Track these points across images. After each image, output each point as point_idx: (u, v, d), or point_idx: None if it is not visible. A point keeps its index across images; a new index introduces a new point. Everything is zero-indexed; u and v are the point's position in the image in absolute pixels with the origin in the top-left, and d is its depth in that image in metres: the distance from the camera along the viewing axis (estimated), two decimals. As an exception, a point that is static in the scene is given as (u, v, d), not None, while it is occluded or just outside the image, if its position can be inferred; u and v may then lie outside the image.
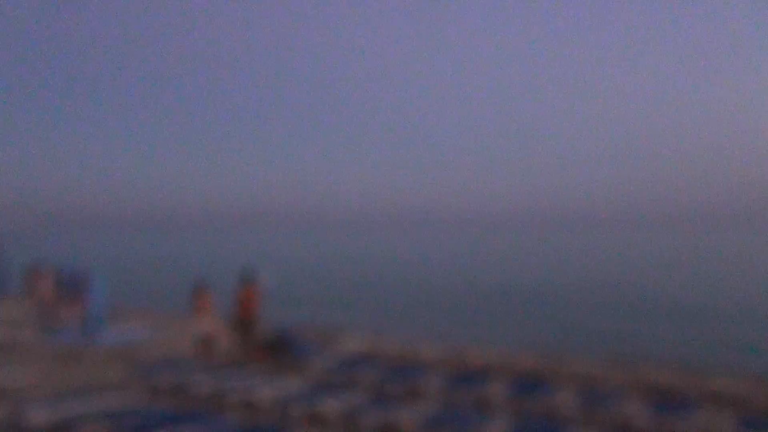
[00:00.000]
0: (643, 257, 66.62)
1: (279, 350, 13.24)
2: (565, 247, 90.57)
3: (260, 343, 12.73)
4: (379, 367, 11.69)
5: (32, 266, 23.16)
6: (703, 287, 36.58)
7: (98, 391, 10.18)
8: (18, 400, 9.54)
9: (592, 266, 53.79)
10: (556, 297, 31.47)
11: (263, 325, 13.17)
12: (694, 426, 8.48)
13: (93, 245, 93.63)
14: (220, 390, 9.50)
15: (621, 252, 77.42)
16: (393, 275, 44.94)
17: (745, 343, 19.81)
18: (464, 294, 33.13)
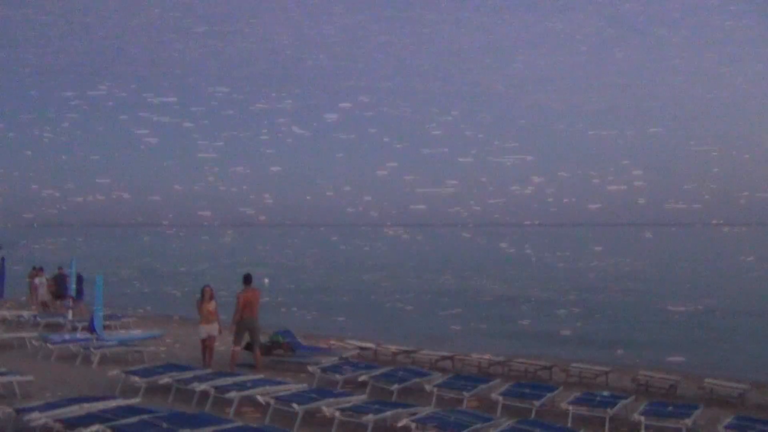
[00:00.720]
0: (642, 257, 66.72)
1: (280, 352, 13.25)
2: (564, 248, 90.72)
3: (261, 344, 12.75)
4: (379, 368, 11.71)
5: (33, 267, 23.18)
6: (702, 288, 36.56)
7: (99, 391, 10.20)
8: (19, 400, 9.57)
9: (590, 267, 53.88)
10: (554, 299, 31.49)
11: (264, 327, 13.18)
12: (693, 426, 8.50)
13: (94, 246, 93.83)
14: (221, 390, 9.52)
15: (618, 251, 77.53)
16: (391, 277, 44.99)
17: (742, 345, 19.86)
18: (463, 296, 33.14)
